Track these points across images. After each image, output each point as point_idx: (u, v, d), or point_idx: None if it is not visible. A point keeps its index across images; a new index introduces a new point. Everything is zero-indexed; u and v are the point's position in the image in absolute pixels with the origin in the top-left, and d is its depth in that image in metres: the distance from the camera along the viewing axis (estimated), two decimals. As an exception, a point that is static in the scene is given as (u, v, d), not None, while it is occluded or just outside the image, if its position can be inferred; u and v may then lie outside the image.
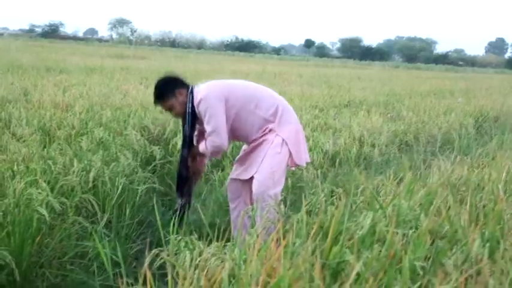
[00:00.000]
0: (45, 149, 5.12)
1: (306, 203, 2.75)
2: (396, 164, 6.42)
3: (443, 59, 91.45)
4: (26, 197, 3.46)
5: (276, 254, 2.18)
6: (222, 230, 3.04)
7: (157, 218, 2.72)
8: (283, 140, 3.89)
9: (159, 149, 5.88)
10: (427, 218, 2.74)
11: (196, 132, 4.14)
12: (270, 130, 3.94)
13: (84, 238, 3.82)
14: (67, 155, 4.90)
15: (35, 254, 3.41)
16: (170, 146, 6.19)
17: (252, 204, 4.16)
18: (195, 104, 3.85)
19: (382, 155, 6.97)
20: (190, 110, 3.89)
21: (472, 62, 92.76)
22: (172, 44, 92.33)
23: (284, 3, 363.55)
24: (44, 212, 3.33)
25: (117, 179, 4.40)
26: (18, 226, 3.28)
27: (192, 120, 3.94)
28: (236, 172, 4.20)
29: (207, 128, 3.86)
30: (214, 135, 3.85)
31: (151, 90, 11.62)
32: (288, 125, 3.96)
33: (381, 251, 2.30)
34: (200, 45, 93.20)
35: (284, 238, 2.28)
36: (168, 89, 3.98)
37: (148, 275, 2.03)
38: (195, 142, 4.13)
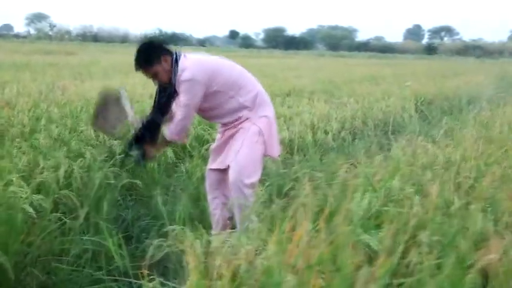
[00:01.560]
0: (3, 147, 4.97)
1: (306, 186, 2.78)
2: (353, 149, 6.59)
3: (365, 47, 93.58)
4: (8, 195, 3.36)
5: (296, 237, 2.22)
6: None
7: (163, 210, 2.71)
8: (260, 129, 3.89)
9: (118, 143, 5.82)
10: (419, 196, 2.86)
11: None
12: (247, 118, 3.93)
13: (63, 234, 3.75)
14: (30, 153, 4.79)
15: (18, 253, 3.33)
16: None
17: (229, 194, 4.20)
18: (178, 78, 3.76)
19: (336, 141, 7.11)
20: (174, 82, 3.81)
21: (392, 49, 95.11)
22: (94, 38, 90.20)
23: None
24: (31, 210, 3.25)
25: (90, 174, 4.33)
26: (5, 225, 3.20)
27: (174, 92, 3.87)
28: (214, 163, 4.15)
29: (182, 101, 3.82)
30: (185, 113, 3.83)
31: (89, 85, 11.53)
32: (263, 115, 3.96)
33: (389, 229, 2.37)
34: (124, 39, 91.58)
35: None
36: (154, 54, 3.79)
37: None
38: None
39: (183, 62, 3.79)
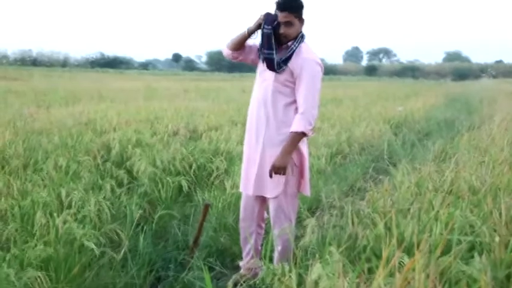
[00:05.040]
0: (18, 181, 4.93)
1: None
2: (351, 173, 6.76)
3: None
4: (67, 231, 3.36)
5: (407, 269, 2.32)
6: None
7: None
8: (295, 162, 3.78)
9: (124, 173, 5.81)
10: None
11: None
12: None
13: (104, 267, 3.74)
14: (46, 186, 4.79)
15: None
16: (135, 170, 6.03)
17: (263, 223, 4.20)
18: (303, 55, 3.63)
19: (330, 166, 7.23)
20: (295, 49, 3.65)
21: (333, 71, 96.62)
22: (34, 62, 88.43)
23: (146, 18, 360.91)
24: (93, 246, 3.26)
25: (127, 206, 4.37)
26: (66, 261, 3.20)
27: (286, 60, 3.64)
28: (250, 187, 3.92)
29: (304, 95, 3.59)
30: (314, 101, 3.60)
31: (57, 112, 11.37)
32: (300, 147, 3.80)
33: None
34: (64, 63, 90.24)
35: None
36: (302, 9, 3.70)
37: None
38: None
39: (308, 46, 3.74)
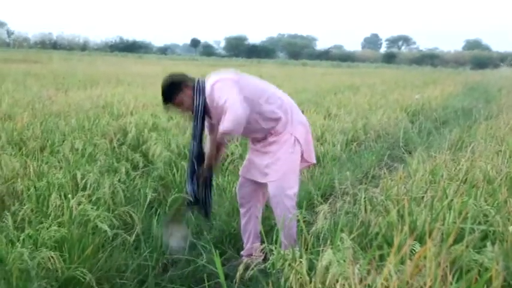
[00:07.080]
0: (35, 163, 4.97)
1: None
2: (366, 161, 6.75)
3: (326, 55, 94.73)
4: (81, 213, 3.40)
5: (418, 257, 2.31)
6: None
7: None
8: (295, 139, 3.85)
9: (139, 156, 5.83)
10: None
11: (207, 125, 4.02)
12: (281, 129, 3.86)
13: (118, 249, 3.78)
14: (64, 168, 4.83)
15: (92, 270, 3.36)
16: (150, 153, 6.05)
17: (263, 204, 4.24)
18: (207, 92, 3.73)
19: (345, 152, 7.22)
20: (199, 102, 3.78)
21: (351, 57, 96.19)
22: (54, 46, 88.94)
23: (165, 2, 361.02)
24: (106, 227, 3.28)
25: (141, 189, 4.39)
26: (80, 242, 3.24)
27: (202, 111, 3.81)
28: (248, 172, 4.08)
29: (224, 105, 3.62)
30: (232, 108, 3.58)
31: (75, 95, 11.46)
32: (298, 124, 3.90)
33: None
34: (84, 47, 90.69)
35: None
36: (174, 87, 3.84)
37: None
38: (206, 133, 4.05)
39: (207, 79, 3.80)
